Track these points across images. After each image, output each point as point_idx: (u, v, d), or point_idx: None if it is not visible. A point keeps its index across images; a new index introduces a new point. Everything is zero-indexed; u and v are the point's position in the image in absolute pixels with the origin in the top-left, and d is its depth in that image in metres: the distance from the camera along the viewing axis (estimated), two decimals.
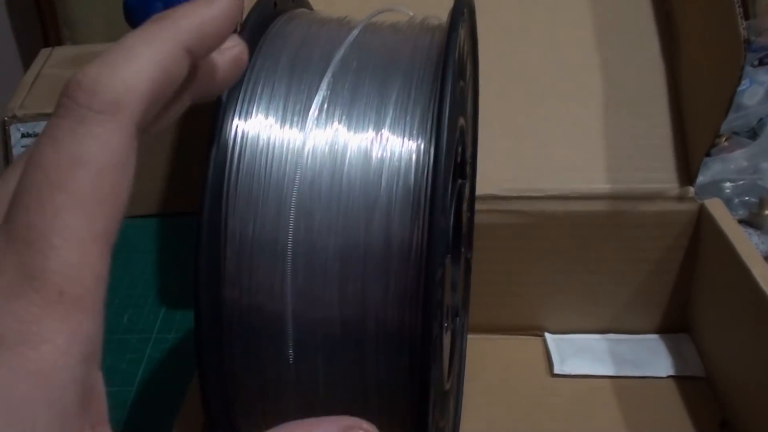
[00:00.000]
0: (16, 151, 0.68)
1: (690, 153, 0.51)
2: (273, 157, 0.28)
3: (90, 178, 0.19)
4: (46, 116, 0.69)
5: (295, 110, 0.29)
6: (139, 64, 0.20)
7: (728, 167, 0.55)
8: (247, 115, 0.29)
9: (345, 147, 0.28)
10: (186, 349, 0.54)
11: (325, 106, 0.29)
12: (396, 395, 0.29)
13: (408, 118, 0.29)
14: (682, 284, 0.52)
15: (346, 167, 0.28)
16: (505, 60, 0.54)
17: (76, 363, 0.18)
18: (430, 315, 0.26)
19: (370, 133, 0.28)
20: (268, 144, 0.29)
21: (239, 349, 0.30)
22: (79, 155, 0.19)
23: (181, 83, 0.23)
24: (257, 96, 0.30)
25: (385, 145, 0.28)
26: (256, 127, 0.29)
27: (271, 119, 0.29)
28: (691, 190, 0.50)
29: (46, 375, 0.18)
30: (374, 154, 0.28)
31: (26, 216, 0.18)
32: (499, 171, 0.50)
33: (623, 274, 0.52)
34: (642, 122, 0.53)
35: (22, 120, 0.67)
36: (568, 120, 0.53)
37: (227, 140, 0.29)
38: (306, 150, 0.28)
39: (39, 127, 0.69)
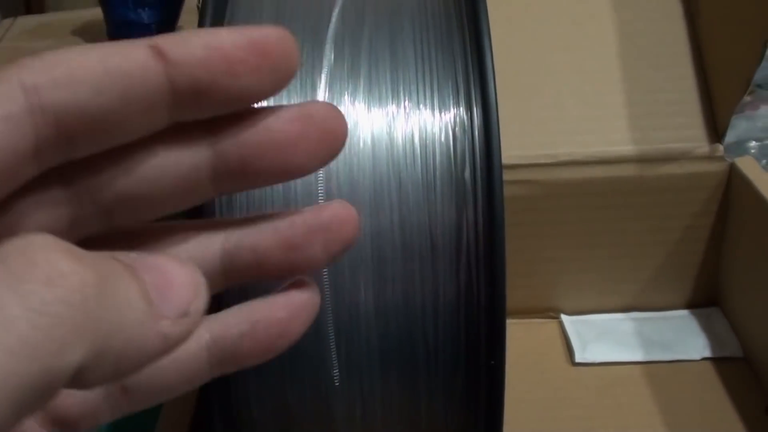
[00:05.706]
0: None
1: (716, 106, 0.46)
2: None
3: None
4: None
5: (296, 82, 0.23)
6: None
7: (754, 125, 0.49)
8: None
9: (362, 126, 0.22)
10: None
11: (329, 77, 0.23)
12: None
13: (435, 82, 0.22)
14: (711, 253, 0.47)
15: (369, 151, 0.22)
16: (504, 4, 0.47)
17: None
18: (501, 324, 0.20)
19: (391, 108, 0.22)
20: None
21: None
22: None
23: None
24: None
25: (411, 120, 0.22)
26: None
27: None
28: (720, 147, 0.45)
29: None
30: (399, 133, 0.22)
31: None
32: (504, 136, 0.44)
33: (646, 245, 0.46)
34: (661, 74, 0.47)
35: None
36: (580, 74, 0.46)
37: None
38: None
39: None
